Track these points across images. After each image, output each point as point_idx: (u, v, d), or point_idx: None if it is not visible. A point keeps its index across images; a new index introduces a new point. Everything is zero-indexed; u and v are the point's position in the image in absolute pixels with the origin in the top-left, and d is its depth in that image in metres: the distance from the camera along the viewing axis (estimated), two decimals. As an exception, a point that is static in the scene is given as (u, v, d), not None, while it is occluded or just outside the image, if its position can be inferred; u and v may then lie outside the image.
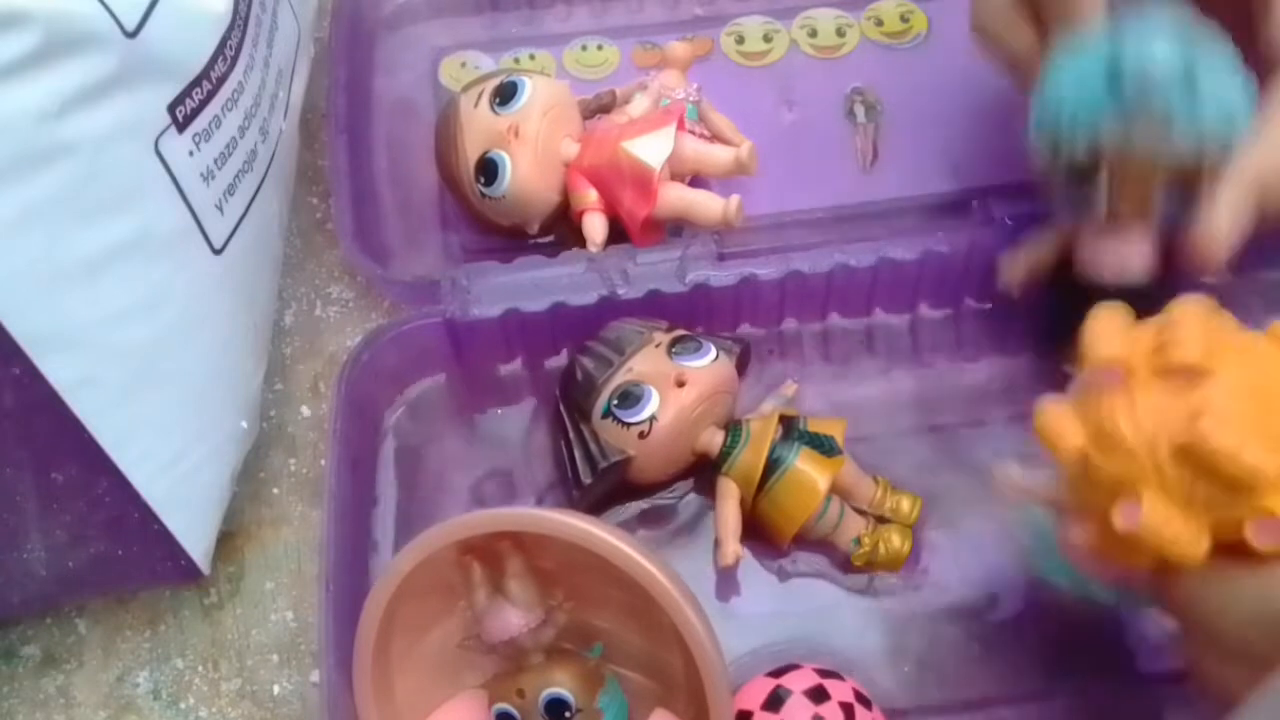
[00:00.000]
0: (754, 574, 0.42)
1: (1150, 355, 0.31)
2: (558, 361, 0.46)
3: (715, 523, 0.42)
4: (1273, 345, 0.32)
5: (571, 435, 0.43)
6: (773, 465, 0.41)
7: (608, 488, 0.42)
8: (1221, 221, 0.37)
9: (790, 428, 0.42)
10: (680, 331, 0.43)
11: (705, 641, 0.34)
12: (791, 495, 0.41)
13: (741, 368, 0.44)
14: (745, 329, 0.46)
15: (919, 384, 0.46)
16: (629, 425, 0.41)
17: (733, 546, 0.41)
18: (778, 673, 0.37)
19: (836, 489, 0.41)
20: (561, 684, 0.37)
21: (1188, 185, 0.37)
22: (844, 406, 0.45)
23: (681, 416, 0.41)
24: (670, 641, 0.36)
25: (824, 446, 0.41)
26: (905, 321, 0.47)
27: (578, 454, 0.42)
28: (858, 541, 0.41)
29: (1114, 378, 0.31)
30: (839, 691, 0.36)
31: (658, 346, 0.42)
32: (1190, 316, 0.32)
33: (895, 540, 0.42)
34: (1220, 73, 0.36)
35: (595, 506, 0.43)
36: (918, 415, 0.45)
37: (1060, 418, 0.32)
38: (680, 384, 0.41)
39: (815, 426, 0.42)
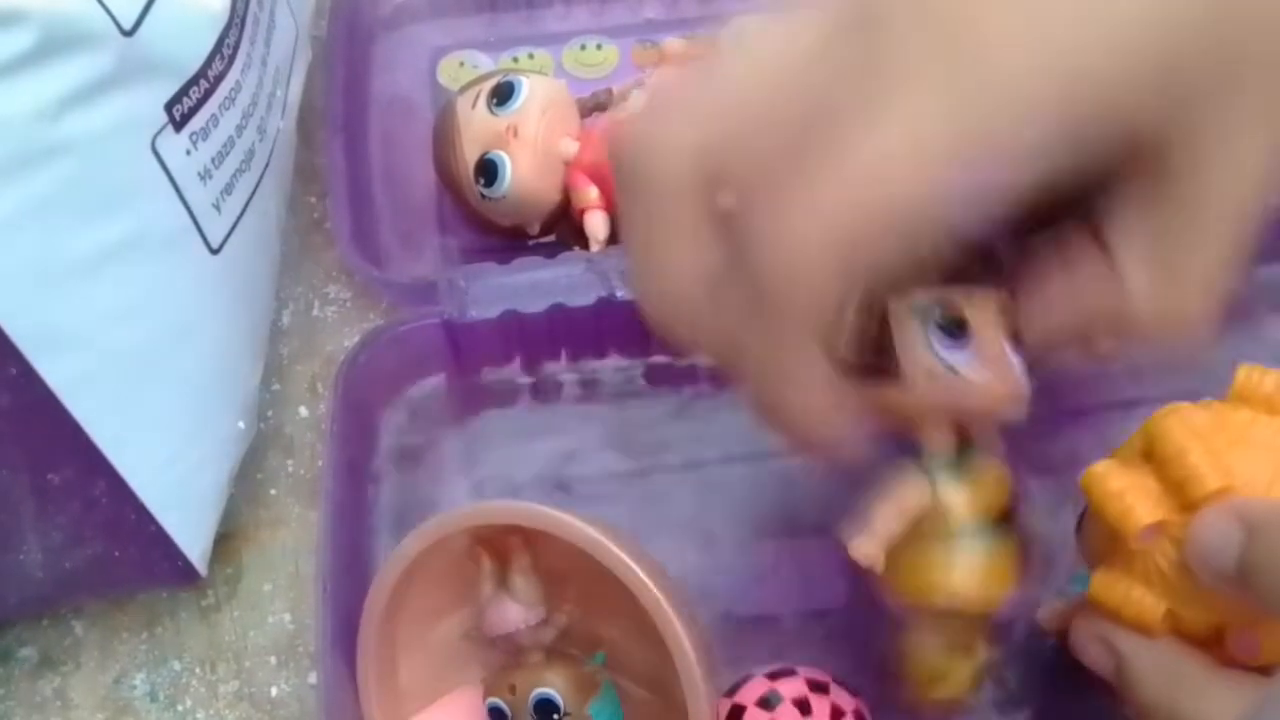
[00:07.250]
0: (758, 575, 0.42)
1: (1167, 493, 0.30)
2: (557, 364, 0.46)
3: (875, 499, 0.32)
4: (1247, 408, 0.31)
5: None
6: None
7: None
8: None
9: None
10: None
11: (690, 654, 0.34)
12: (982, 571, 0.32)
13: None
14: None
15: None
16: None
17: (872, 545, 0.32)
18: (773, 675, 0.37)
19: None
20: (552, 685, 0.36)
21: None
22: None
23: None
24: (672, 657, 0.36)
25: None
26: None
27: None
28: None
29: (1157, 533, 0.30)
30: (832, 694, 0.36)
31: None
32: (1184, 438, 0.29)
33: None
34: None
35: None
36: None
37: (1134, 599, 0.30)
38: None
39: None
